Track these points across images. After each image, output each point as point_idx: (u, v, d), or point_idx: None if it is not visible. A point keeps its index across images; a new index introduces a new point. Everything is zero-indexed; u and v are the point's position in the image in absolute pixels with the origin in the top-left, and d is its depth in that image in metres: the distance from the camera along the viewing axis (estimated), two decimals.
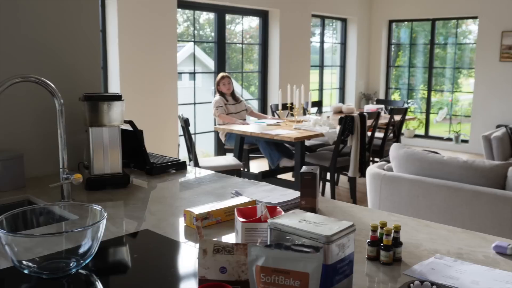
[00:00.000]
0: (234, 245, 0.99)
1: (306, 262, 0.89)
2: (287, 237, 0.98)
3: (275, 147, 5.74)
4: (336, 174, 5.81)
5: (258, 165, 7.14)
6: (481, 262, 1.33)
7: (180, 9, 6.83)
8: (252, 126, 5.51)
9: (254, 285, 0.93)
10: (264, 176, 5.26)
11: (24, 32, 2.08)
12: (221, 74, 6.07)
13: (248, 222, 1.24)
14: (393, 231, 1.31)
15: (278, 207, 1.34)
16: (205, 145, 7.71)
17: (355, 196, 5.50)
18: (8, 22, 2.02)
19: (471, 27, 9.60)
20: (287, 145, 5.80)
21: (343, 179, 6.41)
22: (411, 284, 1.10)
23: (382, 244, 1.31)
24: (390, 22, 9.93)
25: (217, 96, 5.99)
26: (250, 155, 6.20)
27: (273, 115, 6.82)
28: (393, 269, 1.28)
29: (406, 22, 9.94)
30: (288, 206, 1.68)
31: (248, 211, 1.34)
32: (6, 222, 1.24)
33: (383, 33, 9.85)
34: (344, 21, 9.64)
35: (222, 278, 0.98)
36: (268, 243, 1.02)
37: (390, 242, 1.30)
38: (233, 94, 6.09)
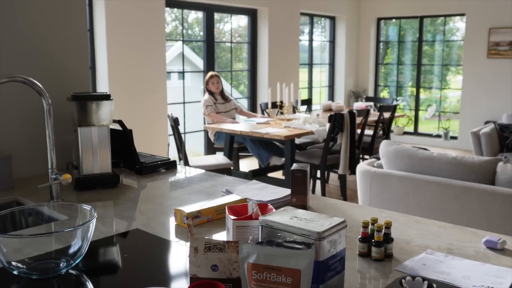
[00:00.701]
0: (225, 243, 0.98)
1: (298, 258, 0.88)
2: (279, 234, 0.98)
3: (263, 146, 5.74)
4: (326, 172, 5.82)
5: (248, 164, 7.13)
6: (472, 257, 1.33)
7: (168, 8, 6.80)
8: (242, 125, 5.51)
9: (246, 283, 0.92)
10: (254, 175, 5.26)
11: (11, 32, 2.05)
12: (210, 73, 6.06)
13: (239, 219, 1.24)
14: (384, 227, 1.32)
15: (269, 204, 1.33)
16: (194, 145, 7.70)
17: (346, 193, 5.51)
18: None
19: (459, 24, 9.66)
20: (276, 143, 5.80)
21: (333, 177, 6.42)
22: (403, 280, 1.10)
23: (373, 241, 1.31)
24: (379, 19, 9.97)
25: (206, 95, 5.97)
26: (239, 154, 6.20)
27: (262, 113, 6.82)
28: (384, 265, 1.28)
29: (394, 20, 9.99)
30: (279, 204, 1.68)
31: (239, 208, 1.33)
32: None
33: (371, 30, 9.88)
34: (332, 19, 9.65)
35: (214, 276, 0.97)
36: (260, 240, 1.01)
37: (381, 238, 1.31)
38: (222, 93, 6.08)
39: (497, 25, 8.22)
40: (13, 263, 1.17)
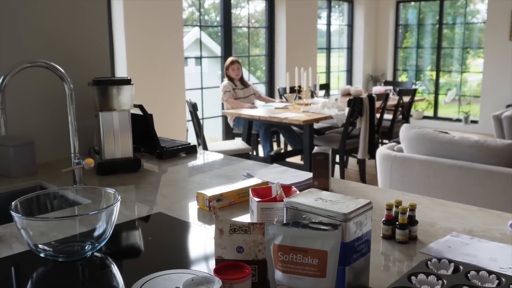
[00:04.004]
0: (251, 225, 0.98)
1: (324, 240, 0.88)
2: (304, 216, 0.97)
3: (271, 136, 5.80)
4: (345, 157, 5.79)
5: None
6: (498, 239, 1.32)
7: None
8: (260, 110, 5.50)
9: (272, 264, 0.92)
10: (273, 159, 5.26)
11: (32, 19, 2.06)
12: (230, 59, 6.03)
13: (264, 201, 1.23)
14: (408, 209, 1.30)
15: (293, 186, 1.32)
16: (212, 130, 7.71)
17: (365, 178, 5.49)
18: (16, 8, 2.01)
19: (480, 6, 9.48)
20: (295, 128, 5.78)
21: (352, 162, 6.39)
22: (429, 262, 1.09)
23: (397, 223, 1.30)
24: (398, 2, 9.82)
25: (226, 81, 5.96)
26: (259, 139, 6.20)
27: (280, 98, 6.79)
28: (409, 248, 1.27)
29: (413, 3, 9.83)
30: (301, 187, 1.67)
31: (263, 191, 1.33)
32: (21, 206, 1.24)
33: (390, 14, 9.75)
34: (351, 2, 9.54)
35: (239, 257, 0.97)
36: (284, 222, 1.01)
37: (406, 220, 1.29)
38: (242, 79, 6.07)
39: None
40: (40, 245, 1.18)
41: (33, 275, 1.17)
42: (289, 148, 6.35)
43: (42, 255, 1.19)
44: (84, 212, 1.40)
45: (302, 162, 5.82)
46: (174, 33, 6.15)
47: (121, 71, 5.70)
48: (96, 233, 1.21)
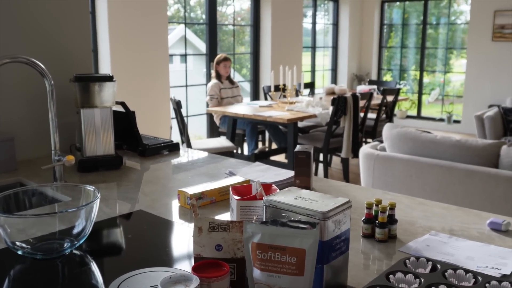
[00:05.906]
0: (230, 223, 0.98)
1: (303, 238, 0.88)
2: (283, 214, 0.98)
3: (258, 135, 5.79)
4: (328, 155, 5.82)
5: None
6: (475, 238, 1.33)
7: None
8: (245, 108, 5.50)
9: (250, 262, 0.92)
10: (257, 158, 5.26)
11: (13, 14, 2.04)
12: (223, 55, 5.98)
13: (243, 200, 1.23)
14: (388, 208, 1.31)
15: (273, 185, 1.33)
16: (197, 128, 7.68)
17: (348, 177, 5.51)
18: None
19: (463, 7, 9.57)
20: (280, 127, 5.79)
21: (335, 160, 6.42)
22: (407, 261, 1.10)
23: (377, 222, 1.31)
24: (383, 2, 9.88)
25: (213, 81, 5.91)
26: (245, 138, 6.20)
27: (265, 96, 6.79)
28: (388, 246, 1.28)
29: (398, 3, 9.90)
30: (282, 186, 1.67)
31: (243, 189, 1.33)
32: None
33: (375, 13, 9.80)
34: (336, 1, 9.57)
35: (218, 255, 0.97)
36: (264, 220, 1.01)
37: (385, 219, 1.30)
38: (229, 77, 6.05)
39: (503, 8, 8.14)
40: (17, 243, 1.17)
41: (11, 272, 1.16)
42: (274, 146, 6.35)
43: (19, 252, 1.17)
44: (63, 210, 1.38)
45: (286, 161, 5.83)
46: (159, 30, 6.12)
47: (105, 68, 5.66)
48: (75, 231, 1.20)
